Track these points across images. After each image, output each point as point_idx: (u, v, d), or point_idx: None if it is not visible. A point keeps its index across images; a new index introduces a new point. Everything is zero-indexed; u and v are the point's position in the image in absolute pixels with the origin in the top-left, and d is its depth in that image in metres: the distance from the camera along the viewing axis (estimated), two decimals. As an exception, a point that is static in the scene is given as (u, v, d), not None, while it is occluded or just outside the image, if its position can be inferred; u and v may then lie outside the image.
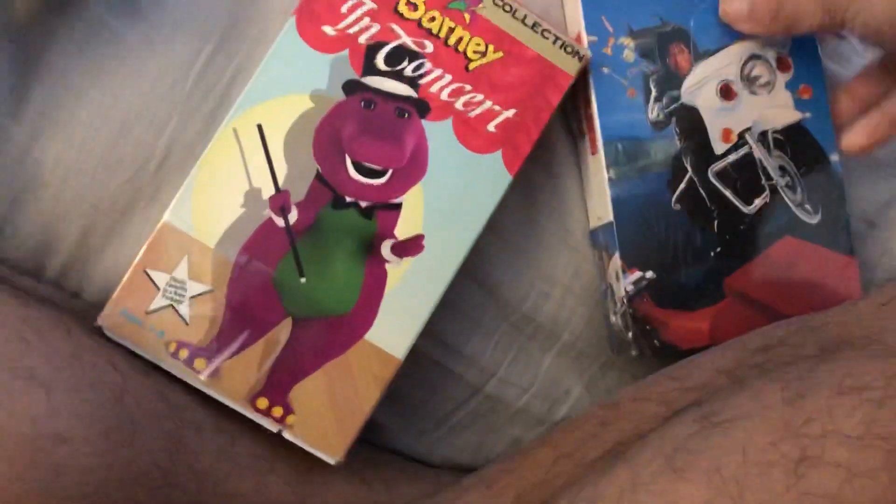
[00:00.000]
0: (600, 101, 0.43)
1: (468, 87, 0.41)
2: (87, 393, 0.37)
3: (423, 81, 0.41)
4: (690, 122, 0.44)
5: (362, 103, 0.41)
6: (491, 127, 0.41)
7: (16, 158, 0.43)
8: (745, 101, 0.45)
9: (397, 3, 0.41)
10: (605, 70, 0.44)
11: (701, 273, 0.44)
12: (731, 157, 0.45)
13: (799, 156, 0.45)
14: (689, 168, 0.44)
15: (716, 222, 0.44)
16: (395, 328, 0.41)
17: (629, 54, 0.44)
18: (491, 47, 0.41)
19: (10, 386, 0.35)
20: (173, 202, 0.40)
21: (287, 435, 0.40)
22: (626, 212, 0.43)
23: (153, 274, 0.40)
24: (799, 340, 0.41)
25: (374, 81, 0.41)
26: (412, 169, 0.41)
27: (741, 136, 0.45)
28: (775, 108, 0.45)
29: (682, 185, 0.44)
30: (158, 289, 0.40)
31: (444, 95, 0.41)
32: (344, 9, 0.41)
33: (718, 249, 0.44)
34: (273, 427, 0.40)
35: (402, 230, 0.41)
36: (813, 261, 0.45)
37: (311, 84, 0.40)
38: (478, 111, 0.41)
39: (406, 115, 0.41)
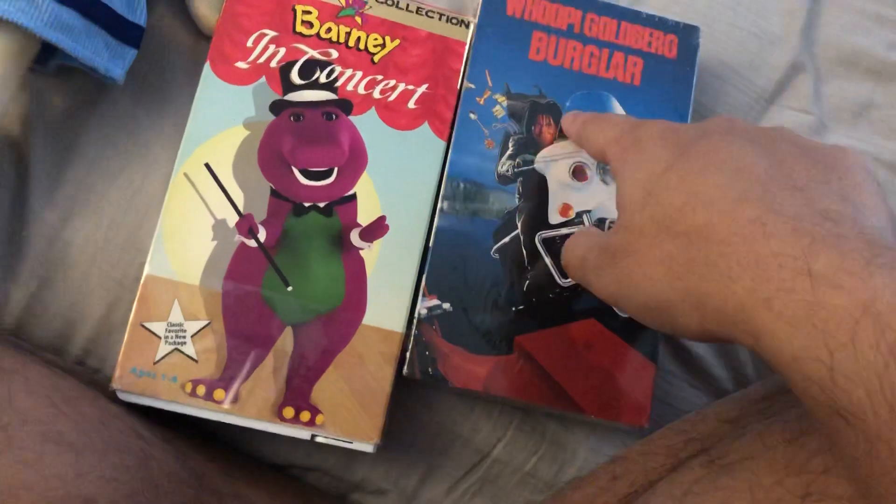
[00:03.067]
0: (458, 141, 0.47)
1: (379, 77, 0.46)
2: (114, 457, 0.37)
3: (338, 84, 0.46)
4: (535, 188, 0.47)
5: (291, 118, 0.45)
6: (411, 104, 0.46)
7: (47, 240, 0.45)
8: (594, 185, 0.47)
9: (294, 25, 0.46)
10: (473, 116, 0.47)
11: (497, 322, 0.45)
12: (564, 231, 0.47)
13: (630, 252, 0.46)
14: (519, 226, 0.46)
15: (527, 283, 0.46)
16: (387, 305, 0.43)
17: (499, 110, 0.48)
18: (387, 38, 0.47)
19: (41, 448, 0.35)
20: (149, 255, 0.42)
21: (321, 437, 0.41)
22: (446, 242, 0.46)
23: (150, 325, 0.41)
24: None
25: (295, 96, 0.45)
26: (354, 162, 0.45)
27: (579, 214, 0.47)
28: (621, 202, 0.47)
29: (507, 239, 0.46)
30: (159, 337, 0.41)
31: (361, 89, 0.46)
32: (249, 43, 0.45)
33: (521, 307, 0.46)
34: (305, 434, 0.41)
35: (364, 217, 0.44)
36: (612, 351, 0.46)
37: (242, 114, 0.45)
38: (395, 95, 0.46)
39: (334, 117, 0.45)
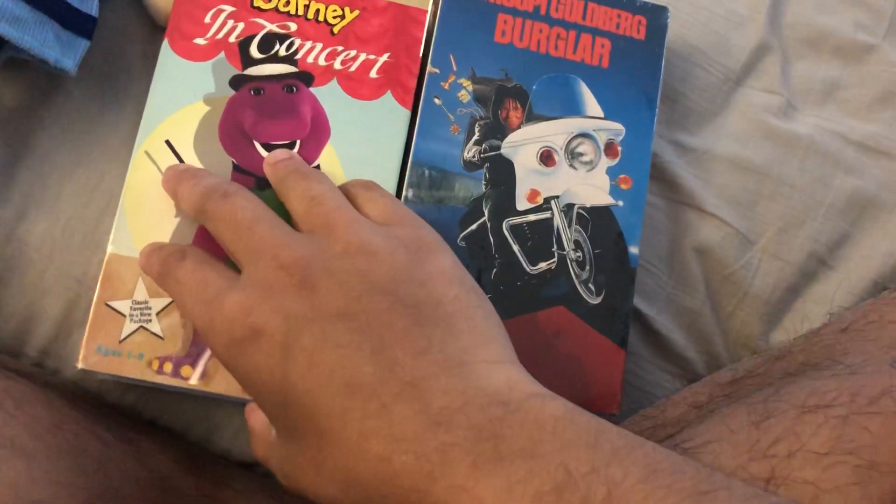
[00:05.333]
0: (422, 126, 0.46)
1: (340, 48, 0.45)
2: (69, 461, 0.37)
3: (298, 56, 0.45)
4: (502, 173, 0.46)
5: (251, 92, 0.44)
6: (373, 74, 0.45)
7: (1, 238, 0.44)
8: (562, 171, 0.47)
9: (252, 0, 0.45)
10: (437, 101, 0.46)
11: (462, 311, 0.45)
12: (531, 217, 0.46)
13: (599, 238, 0.46)
14: (486, 213, 0.46)
15: (494, 270, 0.45)
16: None
17: (465, 95, 0.47)
18: (347, 9, 0.46)
19: None
20: (112, 234, 0.41)
21: None
22: (411, 230, 0.45)
23: (115, 304, 0.40)
24: (765, 370, 0.44)
25: (255, 70, 0.45)
26: (316, 133, 0.44)
27: (547, 200, 0.46)
28: (590, 186, 0.46)
29: (474, 227, 0.46)
30: (124, 316, 0.40)
31: (322, 61, 0.45)
32: (207, 19, 0.45)
33: (489, 295, 0.45)
34: None
35: None
36: (581, 339, 0.45)
37: (201, 91, 0.44)
38: (356, 65, 0.45)
39: (294, 90, 0.44)
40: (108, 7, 0.47)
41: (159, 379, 0.41)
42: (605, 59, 0.48)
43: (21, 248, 0.45)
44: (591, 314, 0.45)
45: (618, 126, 0.47)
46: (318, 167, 0.44)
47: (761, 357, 0.46)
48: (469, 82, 0.47)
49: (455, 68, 0.47)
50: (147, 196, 0.42)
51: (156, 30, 0.48)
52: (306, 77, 0.45)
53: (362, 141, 0.45)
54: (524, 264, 0.45)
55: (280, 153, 0.42)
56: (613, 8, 0.48)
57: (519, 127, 0.47)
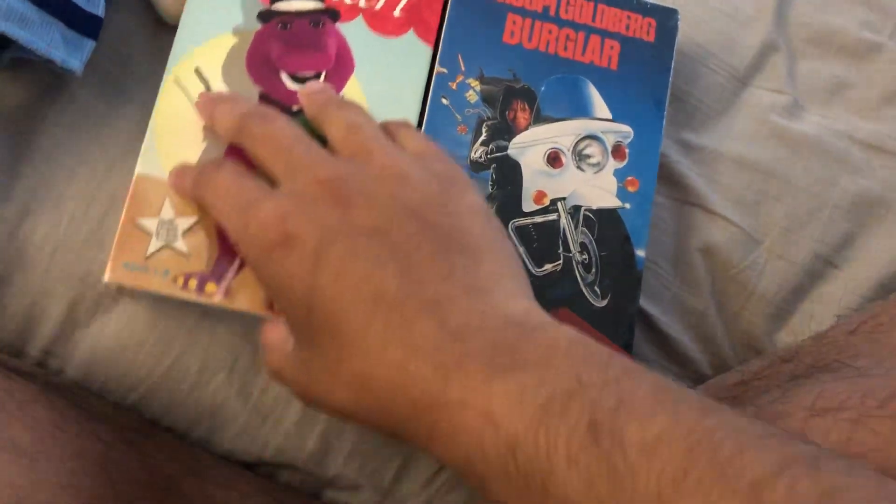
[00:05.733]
0: (429, 126, 0.46)
1: None
2: (72, 463, 0.37)
3: None
4: (509, 174, 0.46)
5: (279, 26, 0.45)
6: (397, 12, 0.46)
7: (4, 237, 0.44)
8: (569, 172, 0.46)
9: None
10: (444, 101, 0.46)
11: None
12: (537, 219, 0.46)
13: (605, 240, 0.46)
14: (493, 214, 0.46)
15: (501, 272, 0.45)
16: None
17: (472, 95, 0.47)
18: None
19: None
20: (140, 156, 0.42)
21: None
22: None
23: (142, 222, 0.41)
24: (772, 372, 0.44)
25: (283, 6, 0.46)
26: (341, 67, 0.46)
27: (553, 202, 0.46)
28: (597, 188, 0.46)
29: (481, 228, 0.46)
30: (151, 234, 0.41)
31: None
32: None
33: (495, 296, 0.45)
34: None
35: None
36: (586, 341, 0.45)
37: (231, 23, 0.45)
38: (381, 3, 0.46)
39: (321, 24, 0.45)
40: (114, 7, 0.47)
41: (184, 294, 0.41)
42: (615, 60, 0.48)
43: (24, 247, 0.44)
44: (597, 317, 0.45)
45: (626, 128, 0.47)
46: None
47: (768, 359, 0.46)
48: (477, 82, 0.47)
49: (463, 68, 0.47)
50: (176, 121, 0.43)
51: (162, 30, 0.47)
52: (332, 13, 0.46)
53: (385, 76, 0.46)
54: (529, 266, 0.45)
55: (316, 85, 0.44)
56: (623, 10, 0.48)
57: (526, 128, 0.47)
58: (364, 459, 0.47)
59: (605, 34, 0.48)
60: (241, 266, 0.42)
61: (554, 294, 0.45)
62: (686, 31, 0.53)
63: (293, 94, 0.45)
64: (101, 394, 0.45)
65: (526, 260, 0.45)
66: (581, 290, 0.45)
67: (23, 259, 0.44)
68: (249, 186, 0.37)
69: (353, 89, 0.45)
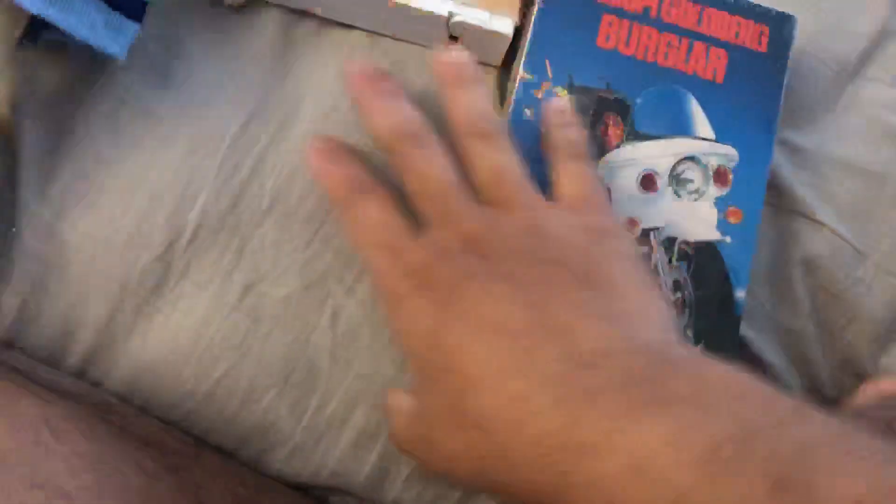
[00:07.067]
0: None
1: None
2: (111, 501, 0.35)
3: None
4: (597, 198, 0.41)
5: None
6: None
7: (40, 238, 0.41)
8: (665, 199, 0.42)
9: None
10: (528, 112, 0.41)
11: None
12: (627, 249, 0.41)
13: (701, 278, 0.41)
14: (578, 242, 0.41)
15: (583, 309, 0.41)
16: None
17: (560, 107, 0.41)
18: None
19: (26, 496, 0.33)
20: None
21: (458, 16, 0.41)
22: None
23: None
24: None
25: None
26: None
27: (645, 232, 0.41)
28: (695, 219, 0.42)
29: (563, 259, 0.41)
30: None
31: None
32: None
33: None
34: (443, 9, 0.41)
35: None
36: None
37: None
38: None
39: None
40: (164, -13, 0.42)
41: None
42: (720, 72, 0.43)
43: (61, 249, 0.41)
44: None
45: (731, 150, 0.42)
46: None
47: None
48: (565, 92, 0.41)
49: (551, 75, 0.42)
50: None
51: (215, 12, 0.44)
52: None
53: None
54: (615, 305, 0.41)
55: (451, 55, 0.40)
56: (733, 14, 0.43)
57: (618, 146, 0.41)
58: (425, 485, 0.44)
59: (711, 41, 0.43)
60: None
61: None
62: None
63: None
64: (145, 408, 0.43)
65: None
66: (672, 335, 0.40)
67: (59, 261, 0.41)
68: (398, 228, 0.37)
69: None
